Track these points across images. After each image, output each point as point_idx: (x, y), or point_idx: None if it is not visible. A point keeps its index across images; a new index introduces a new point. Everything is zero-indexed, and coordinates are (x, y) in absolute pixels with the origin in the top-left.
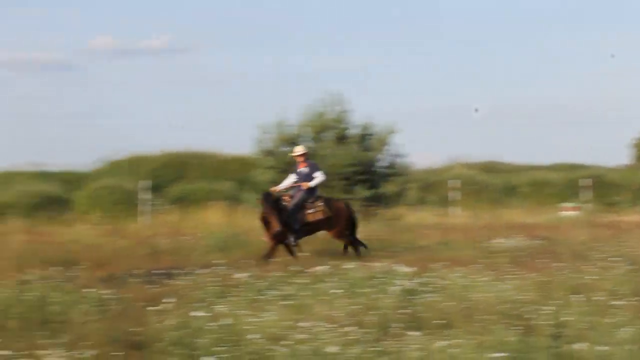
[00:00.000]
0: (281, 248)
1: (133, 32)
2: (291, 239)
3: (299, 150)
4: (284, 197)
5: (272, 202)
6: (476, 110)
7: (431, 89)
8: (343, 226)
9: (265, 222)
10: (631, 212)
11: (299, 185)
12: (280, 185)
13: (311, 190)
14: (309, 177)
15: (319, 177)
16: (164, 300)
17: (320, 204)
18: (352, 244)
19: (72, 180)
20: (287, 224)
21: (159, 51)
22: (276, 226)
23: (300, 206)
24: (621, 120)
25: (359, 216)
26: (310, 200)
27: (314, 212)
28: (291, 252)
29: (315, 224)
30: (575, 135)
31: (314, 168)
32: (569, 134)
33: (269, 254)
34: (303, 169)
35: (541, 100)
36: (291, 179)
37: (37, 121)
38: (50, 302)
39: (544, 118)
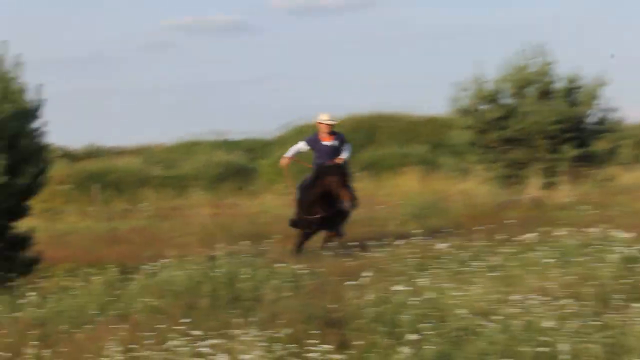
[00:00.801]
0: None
1: None
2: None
3: (327, 118)
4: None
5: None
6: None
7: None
8: None
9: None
10: None
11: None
12: (288, 153)
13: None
14: (338, 152)
15: (348, 149)
16: (361, 274)
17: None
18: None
19: (256, 148)
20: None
21: (340, 8)
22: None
23: None
24: None
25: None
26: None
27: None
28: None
29: None
30: None
31: (343, 141)
32: None
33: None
34: (330, 142)
35: None
36: (300, 146)
37: (217, 87)
38: (241, 278)
39: None
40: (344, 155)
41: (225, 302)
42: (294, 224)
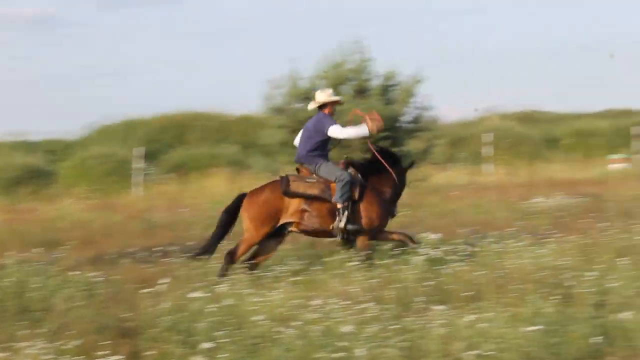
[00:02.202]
0: None
1: None
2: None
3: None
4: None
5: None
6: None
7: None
8: None
9: None
10: None
11: None
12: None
13: None
14: None
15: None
16: (159, 282)
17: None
18: None
19: (57, 149)
20: None
21: (154, 1)
22: None
23: None
24: None
25: None
26: None
27: None
28: None
29: None
30: (625, 77)
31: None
32: (617, 75)
33: None
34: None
35: (584, 38)
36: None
37: (16, 85)
38: (31, 288)
39: (588, 59)
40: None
41: (12, 313)
42: None
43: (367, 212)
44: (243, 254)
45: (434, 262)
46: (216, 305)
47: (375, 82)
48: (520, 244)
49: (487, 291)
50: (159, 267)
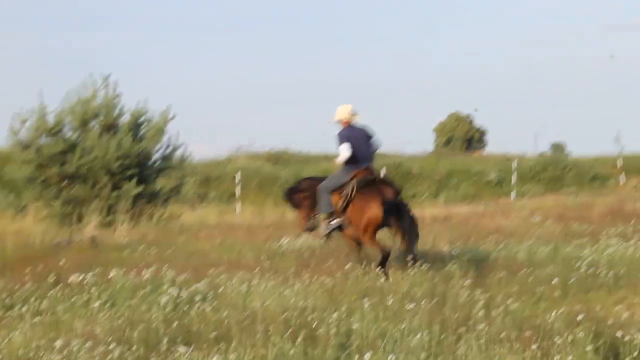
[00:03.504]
0: None
1: None
2: (323, 227)
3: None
4: None
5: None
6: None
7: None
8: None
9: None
10: (432, 204)
11: None
12: None
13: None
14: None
15: (341, 151)
16: None
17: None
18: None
19: None
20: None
21: None
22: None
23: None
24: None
25: (130, 216)
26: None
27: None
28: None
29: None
30: (373, 121)
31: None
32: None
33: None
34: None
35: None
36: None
37: None
38: None
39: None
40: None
41: None
42: None
43: None
44: None
45: (179, 302)
46: None
47: (124, 119)
48: (267, 284)
49: (233, 332)
50: None
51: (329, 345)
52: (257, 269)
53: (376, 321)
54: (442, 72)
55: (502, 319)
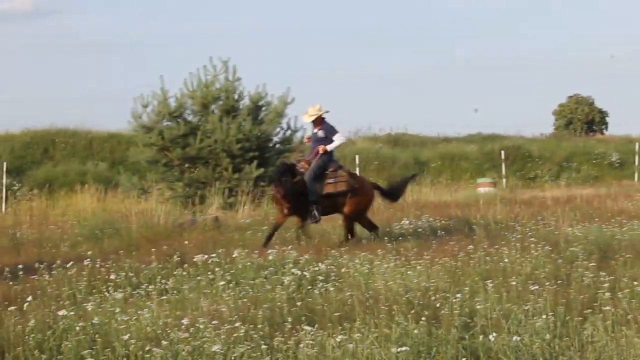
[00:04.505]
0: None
1: None
2: (313, 213)
3: (309, 113)
4: (300, 163)
5: (284, 174)
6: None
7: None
8: (366, 204)
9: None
10: (553, 186)
11: (316, 150)
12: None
13: (330, 156)
14: (325, 142)
15: (338, 139)
16: (25, 299)
17: (343, 173)
18: (370, 228)
19: None
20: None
21: (20, 15)
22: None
23: (319, 175)
24: (542, 85)
25: (251, 198)
26: (330, 169)
27: (335, 183)
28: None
29: (336, 197)
30: (491, 103)
31: (331, 130)
32: (485, 101)
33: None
34: (318, 131)
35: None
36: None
37: None
38: None
39: (460, 84)
40: (332, 145)
41: None
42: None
43: None
44: None
45: (302, 282)
46: (85, 324)
47: (244, 103)
48: (389, 265)
49: (355, 312)
50: (26, 285)
51: (453, 325)
52: (378, 250)
53: (500, 302)
54: (562, 54)
55: (628, 301)
